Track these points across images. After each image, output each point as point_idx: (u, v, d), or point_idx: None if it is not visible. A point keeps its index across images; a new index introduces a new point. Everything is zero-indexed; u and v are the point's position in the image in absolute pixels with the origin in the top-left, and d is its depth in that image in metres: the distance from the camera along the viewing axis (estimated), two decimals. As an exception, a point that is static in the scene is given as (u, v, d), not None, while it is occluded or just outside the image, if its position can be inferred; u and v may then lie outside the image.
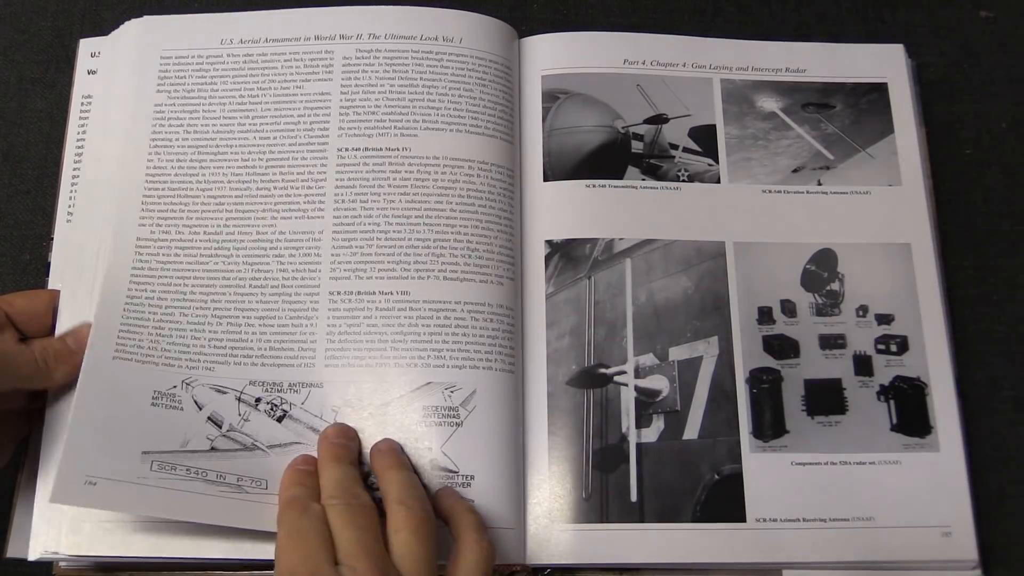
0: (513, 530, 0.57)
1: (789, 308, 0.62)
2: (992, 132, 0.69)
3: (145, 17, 0.67)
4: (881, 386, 0.60)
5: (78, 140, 0.66)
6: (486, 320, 0.59)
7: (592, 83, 0.66)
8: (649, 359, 0.60)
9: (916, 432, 0.59)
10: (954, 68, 0.70)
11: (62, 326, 0.60)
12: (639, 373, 0.60)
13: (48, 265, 0.64)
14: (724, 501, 0.57)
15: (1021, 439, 0.62)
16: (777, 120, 0.66)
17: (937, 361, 0.61)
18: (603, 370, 0.60)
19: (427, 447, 0.57)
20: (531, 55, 0.67)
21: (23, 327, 0.59)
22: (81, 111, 0.67)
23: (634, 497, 0.57)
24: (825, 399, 0.60)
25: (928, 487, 0.58)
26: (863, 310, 0.62)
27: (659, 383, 0.60)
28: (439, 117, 0.63)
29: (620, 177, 0.64)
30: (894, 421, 0.60)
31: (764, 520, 0.57)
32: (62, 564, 0.57)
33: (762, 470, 0.58)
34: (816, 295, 0.62)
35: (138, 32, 0.66)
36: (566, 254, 0.62)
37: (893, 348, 0.61)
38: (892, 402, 0.60)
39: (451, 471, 0.56)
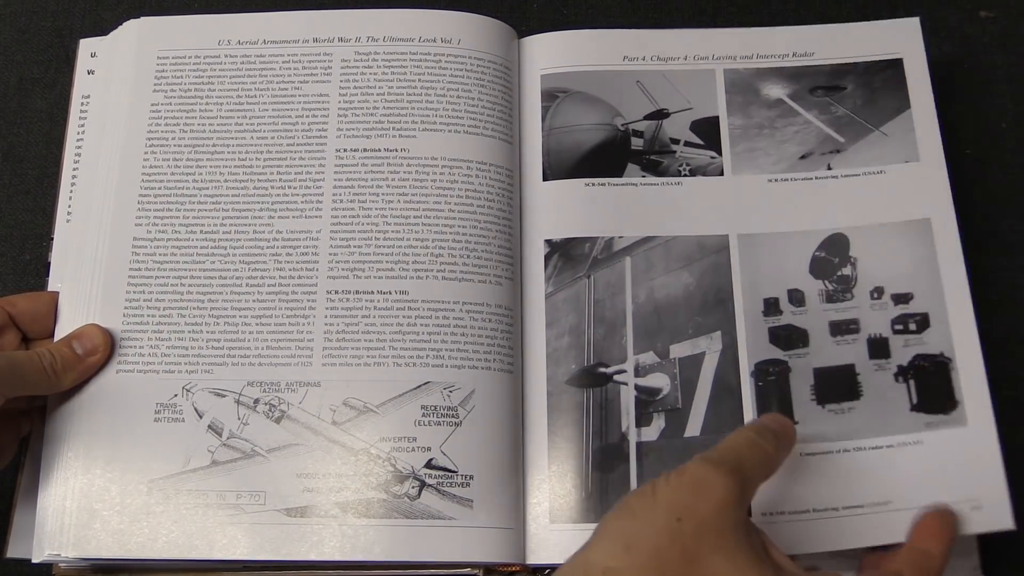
0: (512, 530, 0.56)
1: (797, 297, 0.60)
2: (992, 132, 0.69)
3: (143, 18, 0.67)
4: (899, 367, 0.59)
5: (78, 140, 0.66)
6: (485, 320, 0.59)
7: (591, 81, 0.66)
8: (649, 357, 0.60)
9: (939, 409, 0.58)
10: (954, 68, 0.70)
11: (62, 328, 0.60)
12: (639, 372, 0.60)
13: (48, 265, 0.64)
14: None
15: (1021, 440, 0.61)
16: (784, 107, 0.65)
17: (963, 334, 0.59)
18: (603, 369, 0.60)
19: (425, 447, 0.57)
20: (530, 55, 0.67)
21: (26, 328, 0.59)
22: (81, 111, 0.67)
23: None
24: (836, 386, 0.59)
25: (954, 463, 0.56)
26: (878, 292, 0.60)
27: (659, 381, 0.60)
28: (437, 118, 0.63)
29: (620, 175, 0.64)
30: (914, 401, 0.58)
31: (771, 514, 0.56)
32: (62, 565, 0.57)
33: None
34: (826, 282, 0.61)
35: (135, 32, 0.67)
36: (565, 253, 0.62)
37: (912, 327, 0.59)
38: (912, 382, 0.58)
39: (450, 471, 0.56)
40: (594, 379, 0.60)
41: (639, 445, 0.58)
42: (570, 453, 0.58)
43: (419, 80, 0.64)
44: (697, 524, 0.44)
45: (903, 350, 0.59)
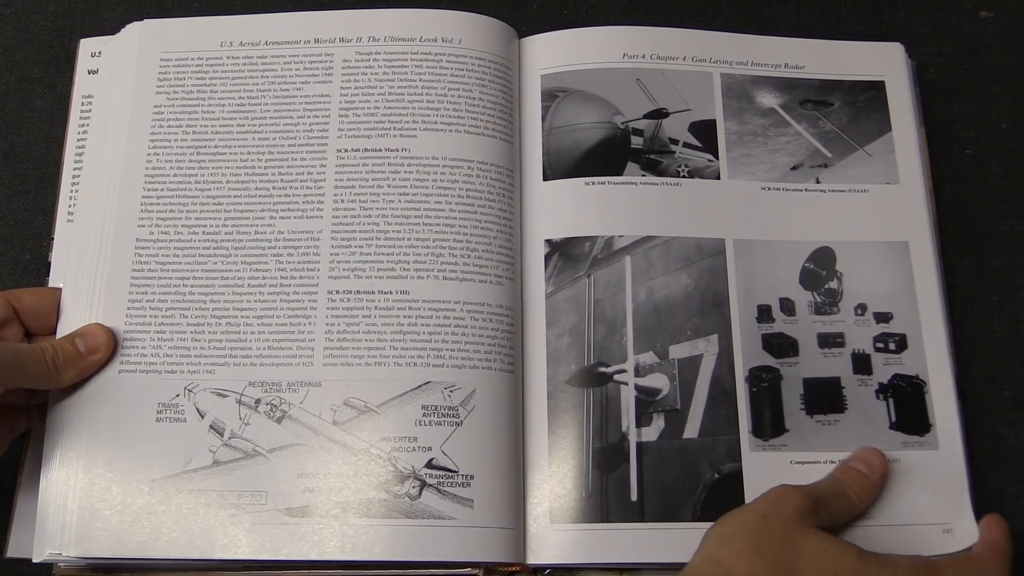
0: (513, 530, 0.56)
1: (788, 306, 0.62)
2: (992, 132, 0.69)
3: (145, 20, 0.67)
4: (880, 384, 0.60)
5: (78, 140, 0.66)
6: (486, 320, 0.59)
7: (591, 79, 0.66)
8: (649, 357, 0.60)
9: (915, 430, 0.59)
10: (954, 68, 0.70)
11: (64, 327, 0.60)
12: (639, 372, 0.60)
13: (48, 265, 0.64)
14: (724, 500, 0.57)
15: (1021, 439, 0.62)
16: (776, 116, 0.66)
17: (936, 359, 0.61)
18: (603, 369, 0.60)
19: (426, 446, 0.57)
20: (530, 55, 0.67)
21: (28, 324, 0.60)
22: (81, 111, 0.67)
23: (634, 496, 0.57)
24: (824, 398, 0.60)
25: (928, 485, 0.58)
26: (861, 308, 0.62)
27: (659, 381, 0.60)
28: (438, 118, 0.63)
29: (619, 174, 0.64)
30: (893, 419, 0.60)
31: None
32: (62, 565, 0.57)
33: (762, 469, 0.58)
34: (815, 293, 0.62)
35: (138, 34, 0.67)
36: (565, 253, 0.62)
37: (891, 346, 0.61)
38: (891, 400, 0.60)
39: (451, 471, 0.56)
40: (594, 379, 0.60)
41: (639, 445, 0.58)
42: (570, 453, 0.58)
43: (420, 80, 0.64)
44: (782, 518, 0.52)
45: (883, 368, 0.61)
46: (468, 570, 0.56)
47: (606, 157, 0.64)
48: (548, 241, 0.62)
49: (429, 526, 0.55)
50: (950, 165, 0.68)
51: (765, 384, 0.60)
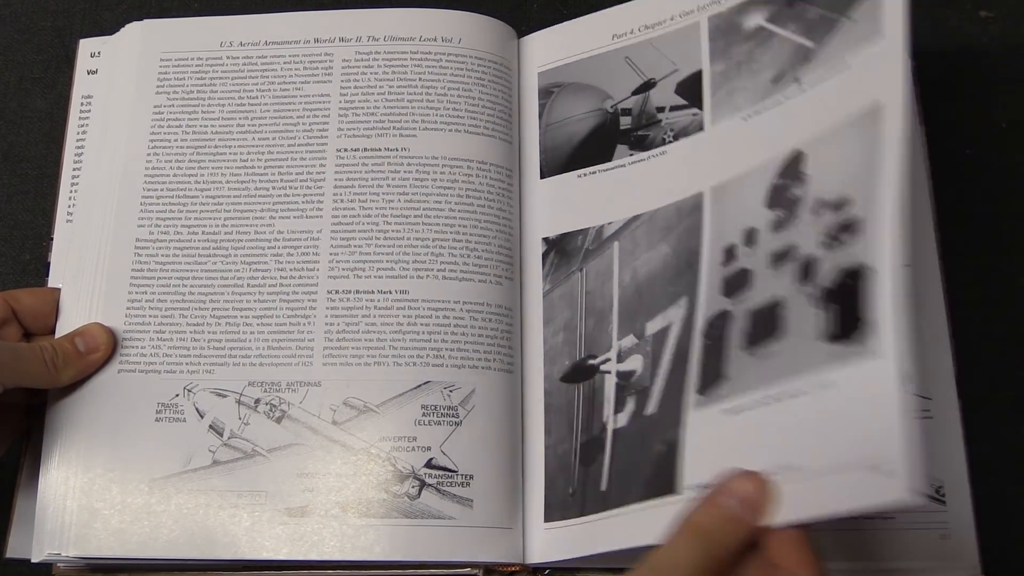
0: (512, 530, 0.57)
1: (751, 236, 0.53)
2: (992, 132, 0.69)
3: (145, 20, 0.67)
4: (822, 289, 0.48)
5: (78, 140, 0.66)
6: (485, 320, 0.59)
7: (584, 68, 0.65)
8: (629, 340, 0.58)
9: (847, 335, 0.46)
10: (954, 68, 0.70)
11: (63, 326, 0.60)
12: (620, 357, 0.58)
13: (48, 265, 0.64)
14: (663, 475, 0.52)
15: (1021, 439, 0.61)
16: (763, 34, 0.59)
17: (887, 239, 0.46)
18: (592, 361, 0.59)
19: (425, 446, 0.57)
20: (528, 54, 0.67)
21: (27, 324, 0.60)
22: (81, 111, 0.67)
23: (604, 486, 0.55)
24: (764, 326, 0.50)
25: (858, 415, 0.44)
26: (819, 204, 0.51)
27: (635, 363, 0.57)
28: (438, 117, 0.63)
29: (609, 159, 0.63)
30: (827, 329, 0.47)
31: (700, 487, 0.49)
32: (61, 565, 0.57)
33: (699, 429, 0.51)
34: (777, 210, 0.53)
35: (138, 35, 0.67)
36: (560, 249, 0.62)
37: (843, 238, 0.48)
38: (831, 307, 0.48)
39: (450, 470, 0.56)
40: (584, 372, 0.59)
41: (614, 433, 0.56)
42: (563, 451, 0.58)
43: (419, 79, 0.64)
44: None
45: (830, 270, 0.48)
46: (468, 570, 0.56)
47: (596, 145, 0.63)
48: (545, 239, 0.62)
49: (429, 526, 0.55)
50: (950, 165, 0.68)
51: (717, 332, 0.53)
